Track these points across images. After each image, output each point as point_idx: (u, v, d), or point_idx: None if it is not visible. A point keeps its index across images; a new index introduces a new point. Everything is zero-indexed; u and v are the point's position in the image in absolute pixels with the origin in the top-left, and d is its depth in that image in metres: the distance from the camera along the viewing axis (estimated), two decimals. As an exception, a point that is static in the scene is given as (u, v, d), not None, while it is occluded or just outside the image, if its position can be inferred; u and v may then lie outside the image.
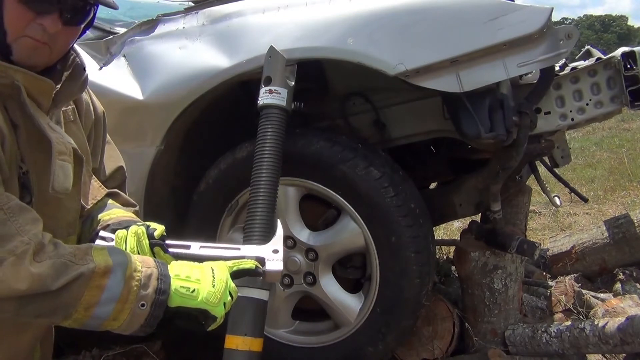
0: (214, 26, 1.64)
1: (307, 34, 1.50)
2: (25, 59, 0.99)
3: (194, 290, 0.98)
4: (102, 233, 1.13)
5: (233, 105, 1.74)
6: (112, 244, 1.10)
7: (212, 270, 1.02)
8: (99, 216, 1.22)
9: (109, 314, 0.95)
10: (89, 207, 1.22)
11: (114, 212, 1.23)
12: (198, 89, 1.59)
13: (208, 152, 1.77)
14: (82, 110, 1.24)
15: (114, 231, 1.14)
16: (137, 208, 1.34)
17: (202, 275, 1.00)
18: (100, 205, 1.26)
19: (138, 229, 1.10)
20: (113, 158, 1.35)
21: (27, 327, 1.12)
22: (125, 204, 1.31)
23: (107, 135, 1.34)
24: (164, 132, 1.64)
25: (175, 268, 1.01)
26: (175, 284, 0.98)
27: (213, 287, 0.99)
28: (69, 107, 1.17)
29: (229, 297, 1.02)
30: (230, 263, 1.06)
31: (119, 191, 1.33)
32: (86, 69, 1.13)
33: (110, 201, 1.28)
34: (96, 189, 1.27)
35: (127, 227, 1.13)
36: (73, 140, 1.11)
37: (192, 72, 1.60)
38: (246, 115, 1.68)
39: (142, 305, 0.96)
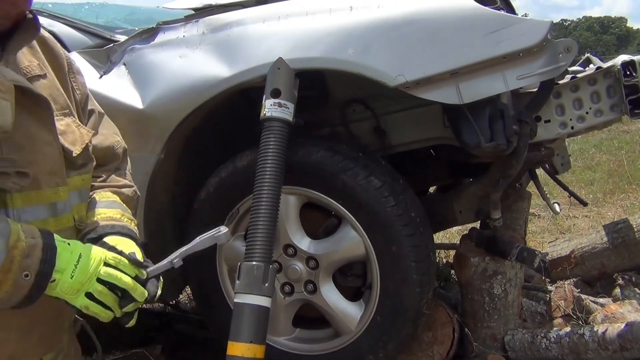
0: (214, 35, 1.64)
1: (307, 44, 1.50)
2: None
3: (53, 280, 0.96)
4: None
5: (233, 113, 1.75)
6: None
7: (79, 257, 0.99)
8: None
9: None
10: (77, 152, 1.14)
11: (93, 214, 1.18)
12: (198, 98, 1.59)
13: (208, 160, 1.78)
14: (59, 65, 1.19)
15: (88, 241, 1.10)
16: (131, 188, 1.30)
17: (67, 263, 0.97)
18: (91, 201, 1.20)
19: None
20: (105, 136, 1.27)
21: (64, 313, 1.10)
22: (117, 186, 1.26)
23: (97, 107, 1.28)
24: (165, 140, 1.65)
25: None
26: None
27: (71, 278, 0.97)
28: (33, 62, 1.12)
29: (98, 286, 0.98)
30: (111, 255, 1.02)
31: (110, 175, 1.27)
32: (34, 15, 1.08)
33: (95, 197, 1.23)
34: (84, 135, 1.19)
35: (102, 236, 1.11)
36: (45, 92, 1.06)
37: (192, 81, 1.61)
38: (246, 124, 1.69)
39: (26, 275, 0.93)
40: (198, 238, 1.10)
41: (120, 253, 1.04)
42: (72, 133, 1.16)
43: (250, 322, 1.29)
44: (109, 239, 1.11)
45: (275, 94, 1.45)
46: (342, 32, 1.47)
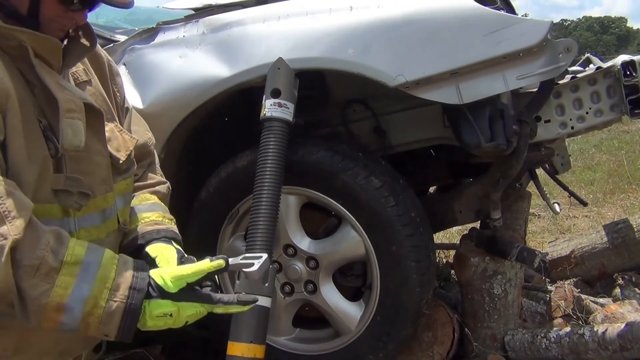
0: (214, 35, 1.64)
1: (307, 44, 1.51)
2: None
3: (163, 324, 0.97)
4: None
5: (233, 113, 1.75)
6: None
7: (169, 315, 0.97)
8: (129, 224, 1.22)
9: (72, 334, 0.94)
10: (123, 159, 1.18)
11: (137, 219, 1.22)
12: (198, 98, 1.59)
13: (208, 160, 1.78)
14: (101, 69, 1.24)
15: (136, 247, 1.16)
16: (165, 185, 1.35)
17: (154, 321, 0.97)
18: (135, 203, 1.26)
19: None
20: (138, 133, 1.31)
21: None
22: (152, 185, 1.31)
23: (129, 104, 1.33)
24: (165, 140, 1.65)
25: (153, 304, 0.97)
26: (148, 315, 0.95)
27: (157, 326, 0.97)
28: (79, 67, 1.17)
29: (193, 311, 0.99)
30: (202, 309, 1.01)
31: (144, 172, 1.32)
32: (92, 29, 1.14)
33: (135, 202, 1.26)
34: (128, 141, 1.23)
35: (149, 242, 1.16)
36: (92, 99, 1.11)
37: (192, 81, 1.61)
38: (246, 123, 1.69)
39: (106, 335, 0.95)
40: (235, 259, 1.11)
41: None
42: (115, 139, 1.21)
43: (250, 322, 1.29)
44: (151, 249, 1.15)
45: (275, 94, 1.45)
46: (342, 32, 1.47)
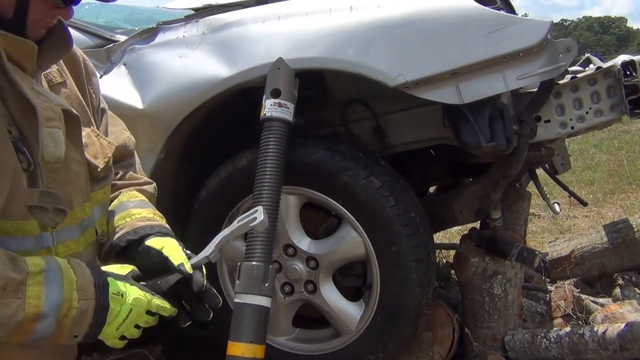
0: (214, 35, 1.64)
1: (307, 44, 1.51)
2: (34, 37, 1.00)
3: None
4: None
5: (233, 113, 1.75)
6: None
7: (129, 312, 0.99)
8: (115, 221, 1.19)
9: (40, 342, 0.94)
10: (101, 166, 1.15)
11: (127, 215, 1.19)
12: (198, 98, 1.59)
13: (208, 160, 1.78)
14: (77, 69, 1.19)
15: (128, 242, 1.13)
16: (152, 185, 1.32)
17: (116, 319, 0.99)
18: (115, 204, 1.22)
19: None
20: (115, 134, 1.27)
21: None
22: (139, 184, 1.29)
23: (104, 104, 1.27)
24: (164, 140, 1.65)
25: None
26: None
27: (116, 330, 0.99)
28: (53, 68, 1.11)
29: (133, 330, 1.02)
30: (155, 304, 1.03)
31: (126, 171, 1.29)
32: (68, 29, 1.09)
33: (123, 198, 1.24)
34: (106, 147, 1.19)
35: (142, 238, 1.13)
36: (67, 103, 1.06)
37: (192, 81, 1.61)
38: (246, 123, 1.69)
39: (75, 336, 0.96)
40: (233, 225, 1.08)
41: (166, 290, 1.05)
42: (92, 145, 1.15)
43: (250, 322, 1.29)
44: (153, 242, 1.12)
45: (275, 94, 1.45)
46: (342, 32, 1.47)
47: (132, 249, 1.14)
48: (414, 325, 1.66)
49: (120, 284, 1.00)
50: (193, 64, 1.63)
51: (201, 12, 1.74)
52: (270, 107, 1.45)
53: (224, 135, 1.80)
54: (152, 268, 1.09)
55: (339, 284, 1.72)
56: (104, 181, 1.17)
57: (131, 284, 1.02)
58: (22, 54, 0.99)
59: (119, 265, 1.07)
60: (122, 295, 0.99)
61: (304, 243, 1.67)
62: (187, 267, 1.06)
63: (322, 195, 1.61)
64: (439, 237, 3.34)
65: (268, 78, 1.48)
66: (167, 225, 1.21)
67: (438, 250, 2.79)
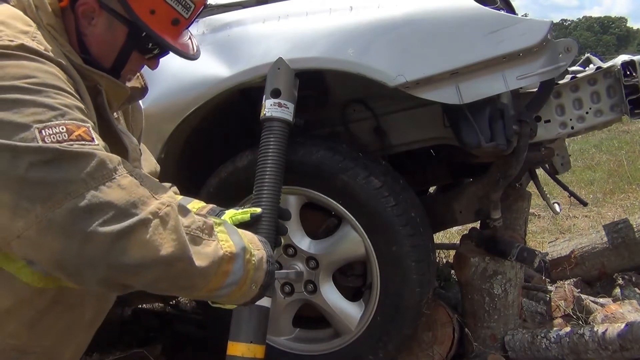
0: (214, 35, 1.64)
1: (307, 44, 1.51)
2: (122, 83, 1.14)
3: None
4: None
5: (233, 113, 1.75)
6: None
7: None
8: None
9: (226, 294, 1.02)
10: None
11: (195, 204, 1.30)
12: (198, 98, 1.60)
13: (208, 160, 1.78)
14: (137, 113, 1.32)
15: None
16: (175, 187, 1.42)
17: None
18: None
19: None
20: (148, 162, 1.39)
21: (107, 305, 1.18)
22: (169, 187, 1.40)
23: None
24: (164, 140, 1.65)
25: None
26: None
27: None
28: None
29: None
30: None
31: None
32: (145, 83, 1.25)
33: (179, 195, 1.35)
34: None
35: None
36: None
37: (192, 81, 1.61)
38: (246, 123, 1.69)
39: (254, 286, 1.05)
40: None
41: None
42: None
43: (250, 322, 1.29)
44: (229, 216, 1.24)
45: (276, 94, 1.45)
46: (342, 32, 1.48)
47: None
48: (414, 325, 1.66)
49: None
50: (193, 64, 1.62)
51: (201, 12, 1.74)
52: (270, 107, 1.45)
53: (224, 136, 1.80)
54: None
55: (339, 284, 1.72)
56: None
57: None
58: (116, 95, 1.11)
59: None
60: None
61: (304, 243, 1.67)
62: (258, 211, 1.27)
63: (322, 195, 1.61)
64: (439, 237, 3.34)
65: (268, 78, 1.48)
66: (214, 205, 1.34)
67: (438, 250, 2.79)
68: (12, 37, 0.93)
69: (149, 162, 1.39)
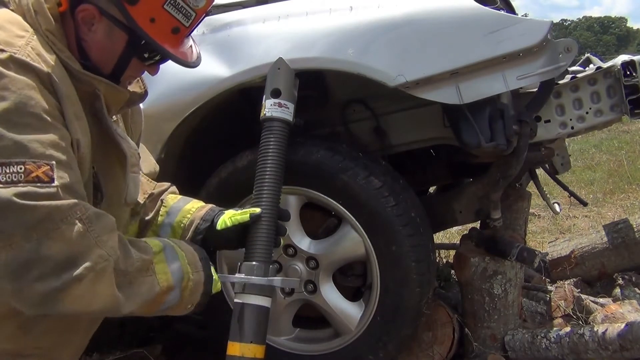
0: (214, 35, 1.64)
1: (307, 44, 1.51)
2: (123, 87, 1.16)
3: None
4: None
5: (233, 113, 1.75)
6: None
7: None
8: (176, 221, 1.35)
9: (160, 312, 1.09)
10: (142, 202, 1.30)
11: (186, 212, 1.36)
12: (198, 98, 1.59)
13: (208, 160, 1.78)
14: (136, 115, 1.34)
15: (205, 230, 1.32)
16: (174, 186, 1.48)
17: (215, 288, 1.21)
18: (165, 210, 1.38)
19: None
20: (147, 162, 1.43)
21: (97, 323, 1.21)
22: (167, 188, 1.45)
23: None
24: (164, 140, 1.65)
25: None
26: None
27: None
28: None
29: None
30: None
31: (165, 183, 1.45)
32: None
33: (170, 202, 1.39)
34: (145, 184, 1.35)
35: (213, 220, 1.32)
36: None
37: (192, 81, 1.60)
38: (246, 123, 1.69)
39: (189, 306, 1.12)
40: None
41: None
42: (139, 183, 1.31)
43: (250, 322, 1.29)
44: (225, 219, 1.30)
45: (276, 94, 1.45)
46: (342, 32, 1.47)
47: (208, 232, 1.33)
48: (414, 325, 1.66)
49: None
50: (193, 64, 1.63)
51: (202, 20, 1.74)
52: (270, 107, 1.45)
53: (224, 135, 1.80)
54: (233, 236, 1.31)
55: (339, 284, 1.71)
56: (137, 215, 1.31)
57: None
58: (115, 100, 1.13)
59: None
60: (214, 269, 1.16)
61: (304, 243, 1.67)
62: (257, 211, 1.30)
63: (322, 195, 1.61)
64: (439, 237, 3.34)
65: (268, 78, 1.48)
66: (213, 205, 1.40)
67: (438, 250, 2.79)
68: (3, 45, 0.93)
69: (148, 163, 1.40)
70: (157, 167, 1.45)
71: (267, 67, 1.49)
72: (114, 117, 1.18)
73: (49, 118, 0.94)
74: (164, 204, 1.39)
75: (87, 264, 0.91)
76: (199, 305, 1.13)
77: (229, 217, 1.30)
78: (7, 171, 0.87)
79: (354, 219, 1.59)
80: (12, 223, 0.87)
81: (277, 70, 1.47)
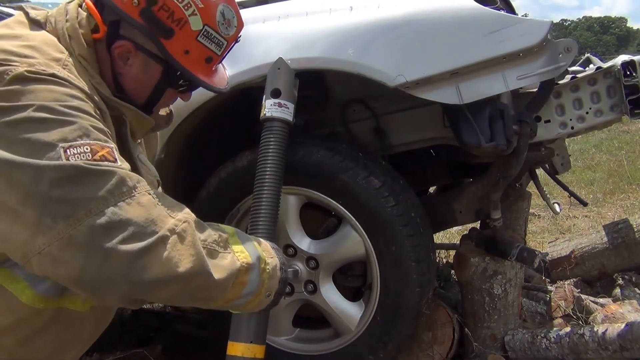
0: (214, 35, 1.64)
1: (307, 44, 1.50)
2: (153, 115, 1.20)
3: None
4: None
5: (233, 113, 1.75)
6: None
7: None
8: None
9: (243, 304, 1.07)
10: None
11: None
12: (198, 98, 1.58)
13: (208, 160, 1.78)
14: (152, 139, 1.39)
15: None
16: None
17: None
18: None
19: None
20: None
21: (106, 322, 1.19)
22: None
23: None
24: (164, 140, 1.65)
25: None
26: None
27: None
28: None
29: None
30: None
31: None
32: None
33: None
34: None
35: None
36: None
37: (192, 81, 1.60)
38: (246, 123, 1.69)
39: (268, 295, 1.09)
40: None
41: None
42: None
43: (250, 322, 1.29)
44: None
45: (275, 94, 1.45)
46: (342, 32, 1.47)
47: None
48: (413, 325, 1.66)
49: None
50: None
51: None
52: (270, 107, 1.45)
53: (224, 135, 1.80)
54: None
55: (339, 284, 1.71)
56: None
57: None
58: (140, 126, 1.16)
59: None
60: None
61: (304, 243, 1.67)
62: None
63: (322, 195, 1.61)
64: (439, 237, 3.34)
65: (268, 78, 1.48)
66: None
67: (438, 250, 2.79)
68: (45, 66, 0.96)
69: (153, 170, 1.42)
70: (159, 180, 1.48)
71: (267, 67, 1.49)
72: (138, 140, 1.21)
73: (99, 117, 0.98)
74: None
75: (168, 225, 0.91)
76: (277, 294, 1.11)
77: None
78: (75, 152, 0.89)
79: (354, 219, 1.59)
80: (89, 188, 0.88)
81: (277, 70, 1.47)
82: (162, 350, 2.09)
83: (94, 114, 0.97)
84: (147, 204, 0.92)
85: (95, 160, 0.90)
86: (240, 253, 1.03)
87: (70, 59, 1.02)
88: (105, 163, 0.91)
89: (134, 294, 0.91)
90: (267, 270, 1.07)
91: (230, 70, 1.56)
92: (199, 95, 1.59)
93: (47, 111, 0.90)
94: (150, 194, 0.94)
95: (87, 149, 0.90)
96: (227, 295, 1.01)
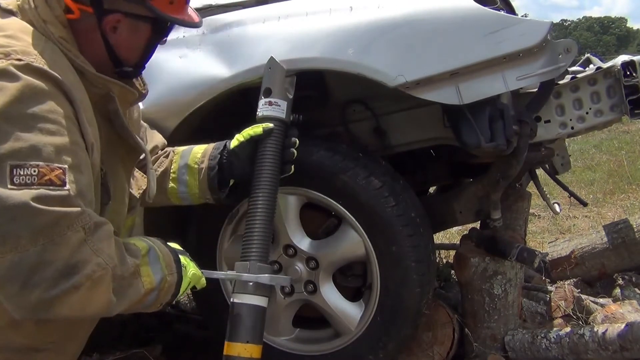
0: (214, 35, 1.64)
1: (307, 45, 1.51)
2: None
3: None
4: None
5: (233, 113, 1.75)
6: None
7: (188, 285, 1.24)
8: (190, 159, 1.48)
9: (135, 311, 1.13)
10: (137, 197, 1.34)
11: (197, 150, 1.49)
12: (198, 98, 1.60)
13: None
14: (137, 115, 1.38)
15: (220, 154, 1.45)
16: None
17: (183, 290, 1.22)
18: (178, 156, 1.50)
19: None
20: (157, 136, 1.54)
21: (97, 318, 1.23)
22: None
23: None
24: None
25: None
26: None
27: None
28: None
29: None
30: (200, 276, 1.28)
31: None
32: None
33: (179, 150, 1.51)
34: (140, 179, 1.39)
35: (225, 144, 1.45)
36: None
37: (192, 81, 1.61)
38: (246, 123, 1.68)
39: (160, 305, 1.15)
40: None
41: None
42: (135, 178, 1.36)
43: (247, 322, 1.29)
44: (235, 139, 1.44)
45: (267, 93, 1.46)
46: (342, 32, 1.47)
47: (221, 160, 1.44)
48: (414, 325, 1.66)
49: (182, 258, 1.20)
50: (193, 64, 1.63)
51: (201, 12, 1.74)
52: (262, 107, 1.45)
53: (224, 136, 1.80)
54: (247, 154, 1.42)
55: (339, 284, 1.71)
56: (134, 209, 1.33)
57: (189, 259, 1.24)
58: (125, 100, 1.17)
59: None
60: (185, 267, 1.19)
61: (304, 243, 1.67)
62: (270, 126, 1.39)
63: (322, 196, 1.61)
64: (439, 237, 3.34)
65: (263, 78, 1.48)
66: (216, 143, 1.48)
67: (438, 250, 2.79)
68: (21, 55, 0.96)
69: (155, 136, 1.51)
70: (165, 142, 1.55)
71: (267, 68, 1.49)
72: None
73: (64, 122, 0.97)
74: (175, 152, 1.50)
75: (86, 271, 0.93)
76: (166, 304, 1.18)
77: (240, 134, 1.40)
78: (22, 173, 0.89)
79: (354, 219, 1.59)
80: (21, 225, 0.88)
81: (269, 69, 1.47)
82: (162, 351, 2.09)
83: (61, 116, 0.96)
84: (74, 245, 0.92)
85: (40, 184, 0.90)
86: (147, 278, 1.08)
87: (49, 44, 1.03)
88: (50, 188, 0.91)
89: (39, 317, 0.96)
90: (165, 288, 1.13)
91: (230, 70, 1.57)
92: (199, 95, 1.60)
93: (6, 120, 0.90)
94: (83, 230, 0.94)
95: (34, 171, 0.90)
96: (126, 311, 1.08)
